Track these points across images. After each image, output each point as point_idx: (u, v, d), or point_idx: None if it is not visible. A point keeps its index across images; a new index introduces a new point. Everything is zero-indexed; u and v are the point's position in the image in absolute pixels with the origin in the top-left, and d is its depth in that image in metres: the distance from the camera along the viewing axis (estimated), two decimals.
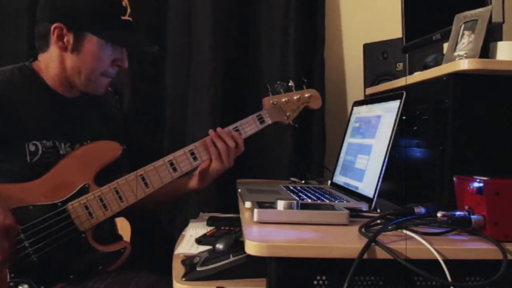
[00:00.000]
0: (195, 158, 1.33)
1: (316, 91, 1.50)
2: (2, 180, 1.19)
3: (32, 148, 1.21)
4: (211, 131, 1.36)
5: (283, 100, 1.44)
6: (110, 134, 1.36)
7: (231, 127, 1.38)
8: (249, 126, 1.40)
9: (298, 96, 1.46)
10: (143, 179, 1.27)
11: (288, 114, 1.45)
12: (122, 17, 1.26)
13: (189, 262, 1.09)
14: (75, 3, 1.23)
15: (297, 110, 1.47)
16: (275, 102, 1.44)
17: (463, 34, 1.14)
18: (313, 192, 1.33)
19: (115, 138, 1.33)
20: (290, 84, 1.46)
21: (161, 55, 1.84)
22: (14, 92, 1.23)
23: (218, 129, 1.36)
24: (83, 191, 1.22)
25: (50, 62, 1.27)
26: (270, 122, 1.43)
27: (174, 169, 1.31)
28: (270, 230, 0.91)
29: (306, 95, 1.47)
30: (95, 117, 1.39)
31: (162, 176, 1.29)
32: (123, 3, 1.26)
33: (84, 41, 1.23)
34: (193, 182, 1.42)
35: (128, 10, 1.27)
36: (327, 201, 1.17)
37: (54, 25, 1.22)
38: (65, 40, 1.23)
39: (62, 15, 1.22)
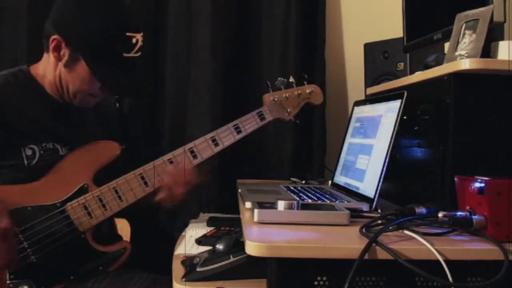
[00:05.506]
0: (195, 157, 1.33)
1: (317, 86, 1.49)
2: (0, 183, 1.19)
3: (29, 152, 1.20)
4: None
5: (284, 96, 1.43)
6: (108, 136, 1.35)
7: (231, 125, 1.37)
8: (249, 123, 1.39)
9: (299, 92, 1.45)
10: (142, 178, 1.27)
11: (289, 110, 1.44)
12: (125, 54, 1.19)
13: (189, 262, 1.09)
14: (82, 26, 1.17)
15: (298, 106, 1.45)
16: (276, 99, 1.42)
17: (464, 34, 1.13)
18: (313, 192, 1.32)
19: (114, 139, 1.32)
20: (290, 80, 1.44)
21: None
22: (8, 97, 1.21)
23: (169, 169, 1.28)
24: (82, 191, 1.22)
25: (47, 66, 1.25)
26: (270, 118, 1.41)
27: None
28: (271, 231, 0.91)
29: (307, 91, 1.46)
30: (93, 120, 1.38)
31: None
32: (133, 40, 1.19)
33: (78, 62, 1.19)
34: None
35: (138, 46, 1.20)
36: (328, 202, 1.16)
37: (54, 36, 1.19)
38: (61, 53, 1.20)
39: (66, 31, 1.19)
